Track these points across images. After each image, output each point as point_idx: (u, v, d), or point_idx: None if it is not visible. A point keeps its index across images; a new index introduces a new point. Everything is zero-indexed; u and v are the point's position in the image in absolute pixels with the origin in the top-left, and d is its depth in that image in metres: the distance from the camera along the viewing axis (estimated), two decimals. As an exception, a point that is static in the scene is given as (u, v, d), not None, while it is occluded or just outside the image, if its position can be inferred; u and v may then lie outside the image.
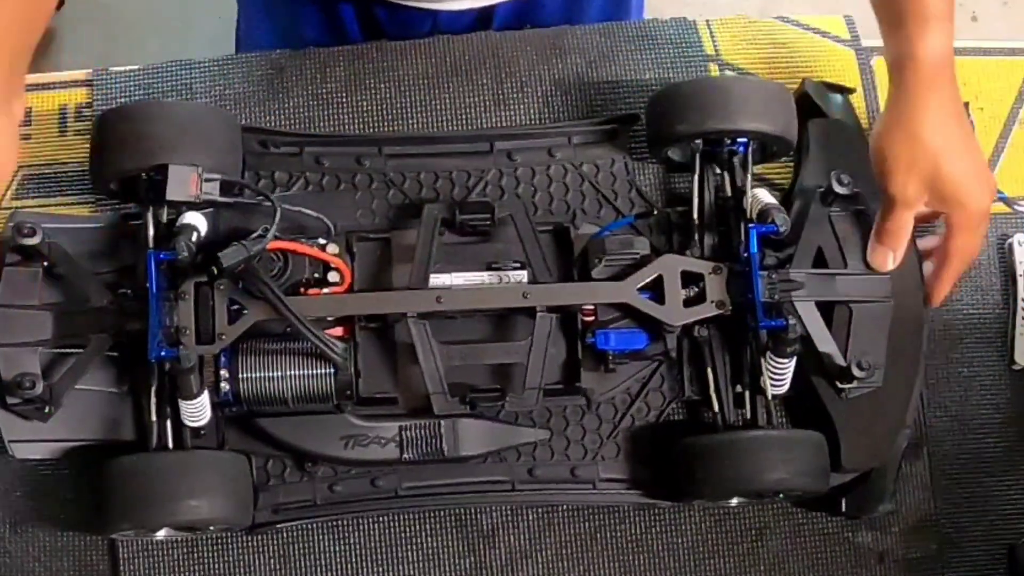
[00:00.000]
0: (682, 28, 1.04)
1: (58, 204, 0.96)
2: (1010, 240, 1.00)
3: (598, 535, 0.93)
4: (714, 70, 1.02)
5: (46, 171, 0.98)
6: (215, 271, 0.84)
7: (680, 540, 0.94)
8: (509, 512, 0.93)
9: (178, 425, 0.86)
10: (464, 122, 0.99)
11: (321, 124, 0.99)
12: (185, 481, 0.83)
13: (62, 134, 0.99)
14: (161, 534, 0.88)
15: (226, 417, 0.88)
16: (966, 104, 1.00)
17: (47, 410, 0.85)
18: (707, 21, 1.04)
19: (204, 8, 1.87)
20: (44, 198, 0.97)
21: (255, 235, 0.85)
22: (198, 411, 0.85)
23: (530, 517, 0.93)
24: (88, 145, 0.93)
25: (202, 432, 0.87)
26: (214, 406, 0.86)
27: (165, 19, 1.83)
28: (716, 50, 1.03)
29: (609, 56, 1.02)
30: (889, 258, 0.89)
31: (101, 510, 0.83)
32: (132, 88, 1.00)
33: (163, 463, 0.84)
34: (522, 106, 1.00)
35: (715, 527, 0.94)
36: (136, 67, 1.01)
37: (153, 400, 0.85)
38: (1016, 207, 1.00)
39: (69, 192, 0.97)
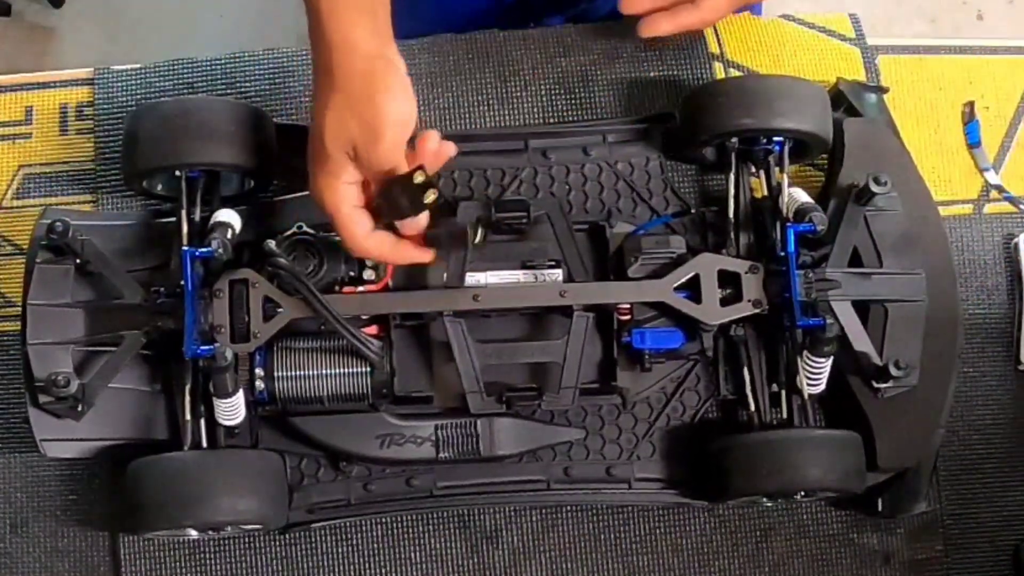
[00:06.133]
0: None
1: (58, 204, 0.95)
2: (1016, 239, 0.99)
3: (602, 536, 0.93)
4: (718, 69, 1.01)
5: (47, 170, 0.97)
6: (262, 254, 0.83)
7: (684, 541, 0.93)
8: (512, 512, 0.93)
9: (212, 424, 0.85)
10: (467, 121, 0.99)
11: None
12: (221, 480, 0.82)
13: (63, 133, 0.98)
14: (192, 535, 0.87)
15: (260, 416, 0.88)
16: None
17: (80, 409, 0.83)
18: (711, 19, 1.04)
19: (205, 6, 1.87)
20: (45, 197, 0.96)
21: (290, 232, 0.85)
22: (232, 410, 0.84)
23: (533, 517, 0.93)
24: (90, 144, 0.94)
25: (236, 431, 0.86)
26: (248, 405, 0.85)
27: (166, 17, 1.82)
28: (720, 48, 1.02)
29: (613, 55, 1.01)
30: None
31: (134, 510, 0.83)
32: (134, 87, 0.99)
33: (198, 462, 0.83)
34: (525, 105, 0.99)
35: (719, 528, 0.94)
36: (138, 65, 1.00)
37: (187, 399, 0.85)
38: (1021, 206, 1.00)
39: (70, 191, 0.96)
